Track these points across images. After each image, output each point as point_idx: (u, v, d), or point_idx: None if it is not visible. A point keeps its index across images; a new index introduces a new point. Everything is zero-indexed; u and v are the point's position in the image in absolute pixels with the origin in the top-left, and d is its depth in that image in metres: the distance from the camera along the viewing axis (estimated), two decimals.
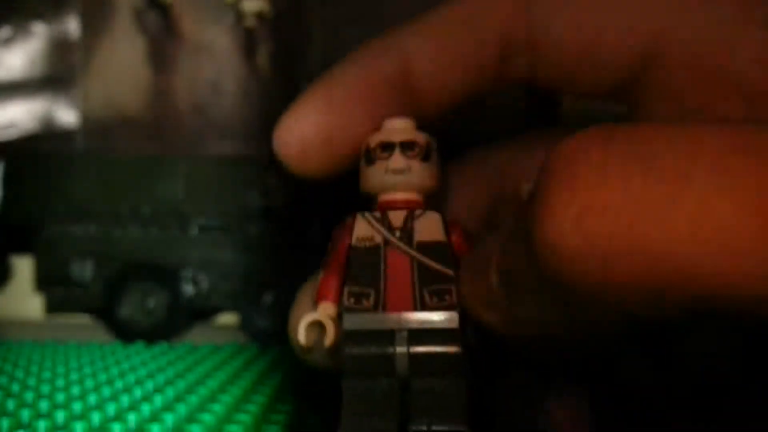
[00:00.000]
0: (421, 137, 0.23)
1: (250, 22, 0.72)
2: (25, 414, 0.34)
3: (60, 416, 0.34)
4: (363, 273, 0.21)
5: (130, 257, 0.60)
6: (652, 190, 0.15)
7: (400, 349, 0.20)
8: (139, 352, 0.48)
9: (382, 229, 0.21)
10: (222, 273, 0.60)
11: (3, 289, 0.66)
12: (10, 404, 0.35)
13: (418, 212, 0.22)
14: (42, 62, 0.71)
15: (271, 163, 0.62)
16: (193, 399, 0.36)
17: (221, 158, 0.63)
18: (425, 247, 0.21)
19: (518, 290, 0.19)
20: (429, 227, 0.21)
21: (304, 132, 0.25)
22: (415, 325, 0.20)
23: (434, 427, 0.20)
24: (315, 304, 0.22)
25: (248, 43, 0.72)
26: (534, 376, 0.28)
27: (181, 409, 0.34)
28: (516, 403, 0.27)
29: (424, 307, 0.21)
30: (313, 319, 0.21)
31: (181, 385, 0.39)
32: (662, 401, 0.30)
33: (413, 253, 0.21)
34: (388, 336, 0.20)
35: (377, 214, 0.22)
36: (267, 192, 0.62)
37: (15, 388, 0.38)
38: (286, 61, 0.72)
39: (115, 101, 0.71)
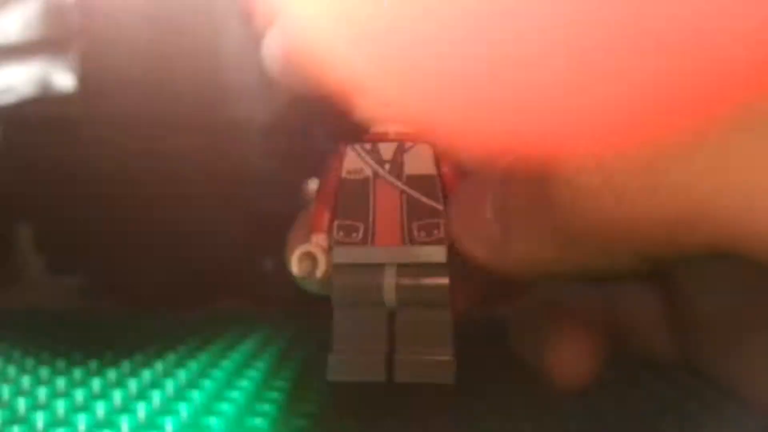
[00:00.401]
0: None
1: None
2: (26, 380, 0.34)
3: (60, 382, 0.34)
4: (352, 206, 0.21)
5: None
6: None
7: (388, 281, 0.21)
8: (140, 318, 0.48)
9: (371, 162, 0.21)
10: (223, 239, 0.60)
11: (3, 256, 0.66)
12: (11, 371, 0.35)
13: (408, 145, 0.21)
14: (38, 25, 0.70)
15: (272, 127, 0.62)
16: (194, 365, 0.36)
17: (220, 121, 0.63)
18: (415, 181, 0.21)
19: (516, 225, 0.19)
20: (419, 160, 0.21)
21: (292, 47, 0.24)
22: (403, 259, 0.21)
23: (419, 357, 0.20)
24: (308, 235, 0.22)
25: (248, 4, 0.71)
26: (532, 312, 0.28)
27: (182, 374, 0.34)
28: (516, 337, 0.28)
29: (413, 242, 0.21)
30: (304, 251, 0.21)
31: (182, 351, 0.39)
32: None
33: (402, 186, 0.21)
34: (377, 268, 0.21)
35: (367, 146, 0.21)
36: (268, 156, 0.61)
37: (16, 354, 0.38)
38: None
39: (112, 65, 0.70)
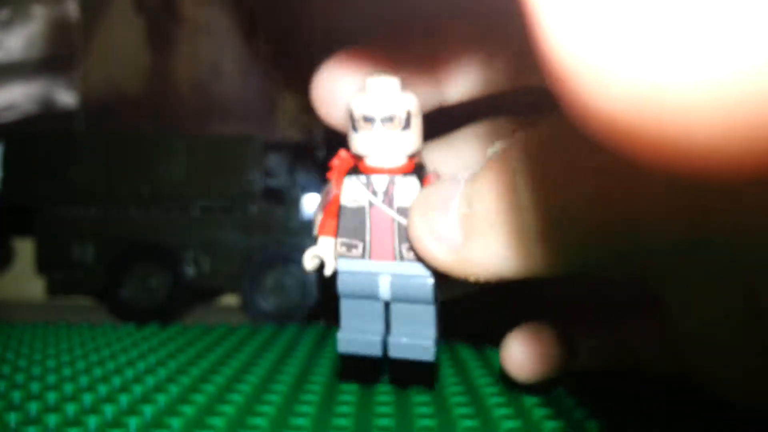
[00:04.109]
0: (401, 108, 0.24)
1: (250, 2, 0.72)
2: (16, 396, 0.34)
3: (68, 388, 0.34)
4: (352, 228, 0.25)
5: (131, 238, 0.60)
6: None
7: (383, 280, 0.25)
8: (130, 334, 0.48)
9: (367, 193, 0.25)
10: (223, 254, 0.60)
11: (4, 272, 0.66)
12: (1, 386, 0.35)
13: (398, 178, 0.25)
14: (41, 44, 0.70)
15: (270, 142, 0.62)
16: (185, 380, 0.36)
17: (221, 138, 0.63)
18: (404, 210, 0.24)
19: (481, 227, 0.21)
20: (407, 193, 0.24)
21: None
22: (394, 271, 0.25)
23: (405, 340, 0.25)
24: (317, 237, 0.26)
25: (248, 22, 0.72)
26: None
27: (173, 389, 0.34)
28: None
29: (402, 259, 0.25)
30: (314, 254, 0.26)
31: (173, 365, 0.39)
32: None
33: (394, 214, 0.25)
34: (375, 272, 0.25)
35: (363, 177, 0.25)
36: (267, 172, 0.61)
37: (6, 370, 0.38)
38: (286, 41, 0.71)
39: (114, 82, 0.70)
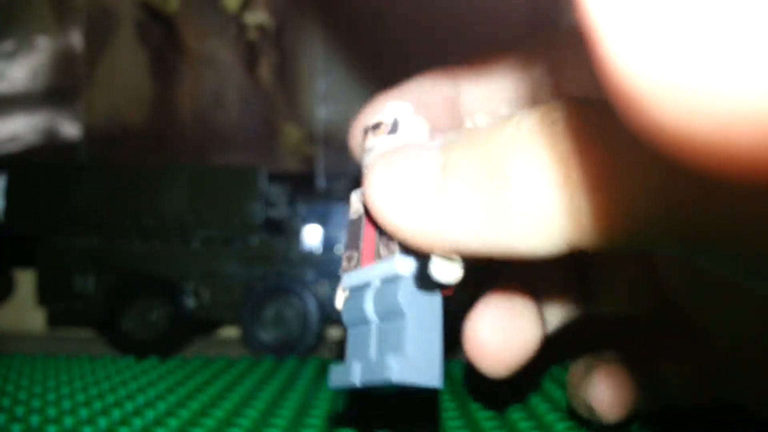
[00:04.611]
0: (388, 115, 0.25)
1: (252, 34, 0.73)
2: (16, 429, 0.33)
3: (68, 421, 0.33)
4: (352, 239, 0.26)
5: (132, 270, 0.60)
6: None
7: (368, 293, 0.24)
8: (130, 366, 0.48)
9: (361, 205, 0.26)
10: (224, 286, 0.60)
11: (5, 303, 0.66)
12: (1, 419, 0.35)
13: None
14: (45, 75, 0.71)
15: (271, 174, 0.63)
16: (184, 413, 0.36)
17: (223, 169, 0.63)
18: None
19: (449, 203, 0.20)
20: None
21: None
22: (375, 274, 0.25)
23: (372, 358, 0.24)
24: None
25: (250, 55, 0.72)
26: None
27: (173, 423, 0.34)
28: None
29: (380, 257, 0.25)
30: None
31: (172, 399, 0.38)
32: None
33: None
34: (362, 287, 0.25)
35: (360, 189, 0.26)
36: (268, 202, 0.61)
37: (6, 402, 0.38)
38: (288, 73, 0.72)
39: (117, 113, 0.71)
